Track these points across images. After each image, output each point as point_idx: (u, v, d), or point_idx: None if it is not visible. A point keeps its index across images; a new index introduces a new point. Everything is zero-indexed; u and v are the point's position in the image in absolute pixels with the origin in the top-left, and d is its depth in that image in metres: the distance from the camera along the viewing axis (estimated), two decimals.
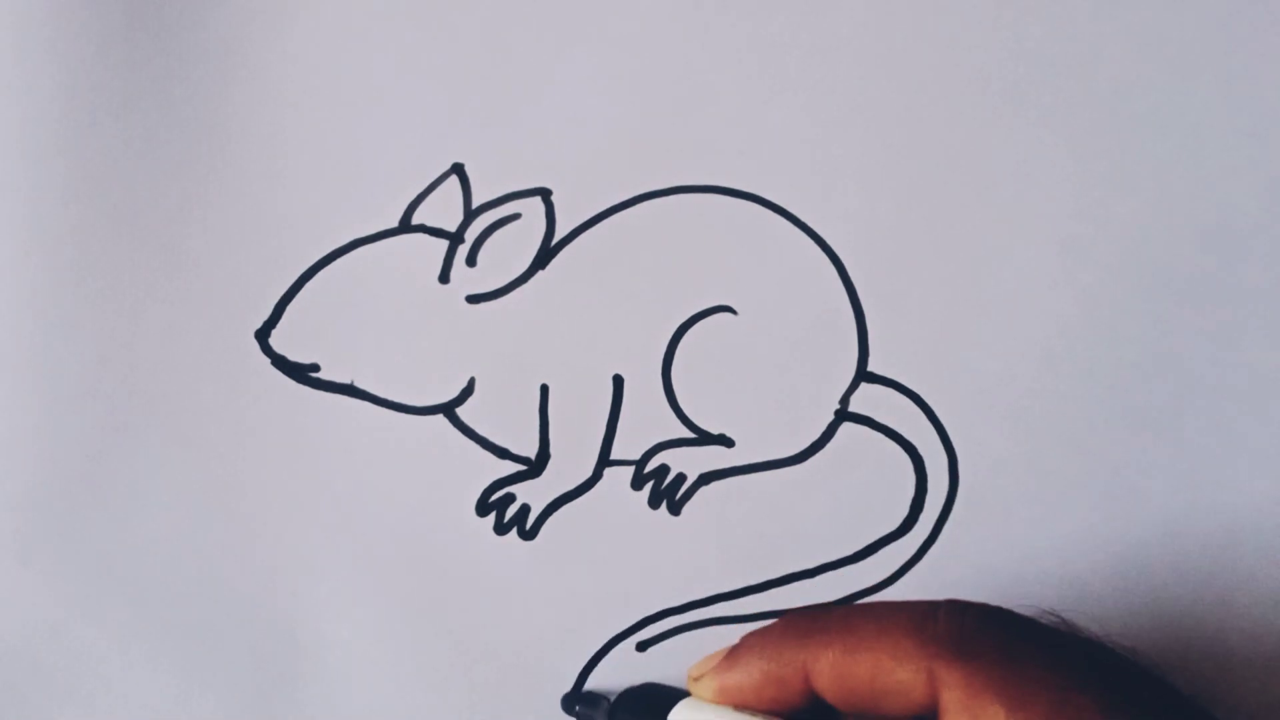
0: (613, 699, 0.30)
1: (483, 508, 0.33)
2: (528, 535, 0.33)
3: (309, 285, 0.34)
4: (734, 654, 0.25)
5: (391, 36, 0.35)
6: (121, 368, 0.34)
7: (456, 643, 0.33)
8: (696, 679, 0.26)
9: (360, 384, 0.34)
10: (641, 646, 0.33)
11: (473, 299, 0.34)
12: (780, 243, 0.33)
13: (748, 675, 0.25)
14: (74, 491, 0.34)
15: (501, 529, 0.33)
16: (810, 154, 0.34)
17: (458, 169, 0.34)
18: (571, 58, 0.34)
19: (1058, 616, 0.29)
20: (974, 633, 0.23)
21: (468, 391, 0.33)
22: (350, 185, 0.34)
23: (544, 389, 0.33)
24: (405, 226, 0.34)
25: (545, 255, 0.34)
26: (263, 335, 0.34)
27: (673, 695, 0.27)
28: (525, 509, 0.33)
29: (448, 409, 0.33)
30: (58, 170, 0.34)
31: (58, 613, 0.33)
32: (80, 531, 0.33)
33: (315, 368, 0.34)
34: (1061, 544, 0.32)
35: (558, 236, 0.34)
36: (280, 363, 0.34)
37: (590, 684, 0.33)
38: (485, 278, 0.34)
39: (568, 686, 0.33)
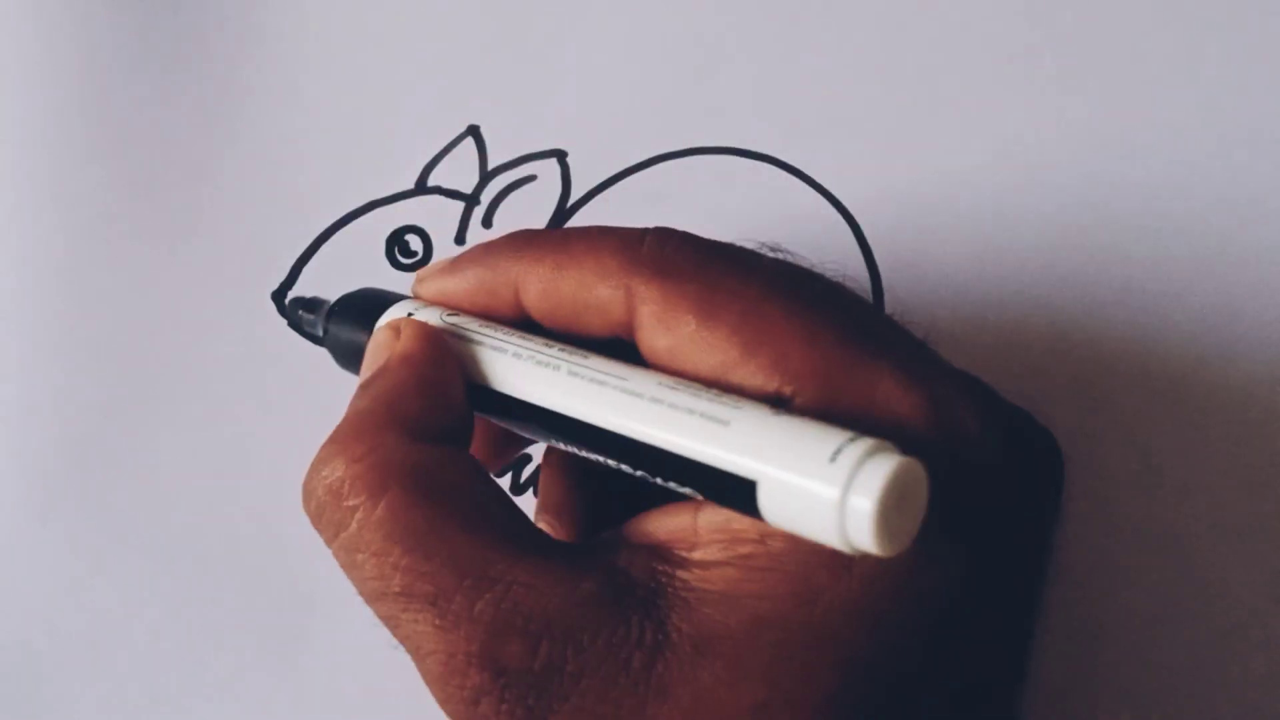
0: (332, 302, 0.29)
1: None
2: None
3: (325, 247, 0.34)
4: (457, 261, 0.26)
5: None
6: (139, 328, 0.34)
7: None
8: (421, 280, 0.27)
9: None
10: None
11: None
12: (796, 204, 0.33)
13: (464, 281, 0.25)
14: (92, 452, 0.34)
15: (518, 489, 0.33)
16: (827, 115, 0.33)
17: (473, 131, 0.34)
18: (587, 19, 0.34)
19: (781, 250, 0.29)
20: (675, 254, 0.23)
21: None
22: (366, 147, 0.34)
23: None
24: (421, 188, 0.34)
25: (561, 217, 0.34)
26: (279, 296, 0.34)
27: (395, 299, 0.27)
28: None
29: None
30: (76, 132, 0.34)
31: (76, 572, 0.33)
32: (98, 491, 0.33)
33: None
34: None
35: (573, 198, 0.34)
36: (297, 323, 0.34)
37: None
38: None
39: None
